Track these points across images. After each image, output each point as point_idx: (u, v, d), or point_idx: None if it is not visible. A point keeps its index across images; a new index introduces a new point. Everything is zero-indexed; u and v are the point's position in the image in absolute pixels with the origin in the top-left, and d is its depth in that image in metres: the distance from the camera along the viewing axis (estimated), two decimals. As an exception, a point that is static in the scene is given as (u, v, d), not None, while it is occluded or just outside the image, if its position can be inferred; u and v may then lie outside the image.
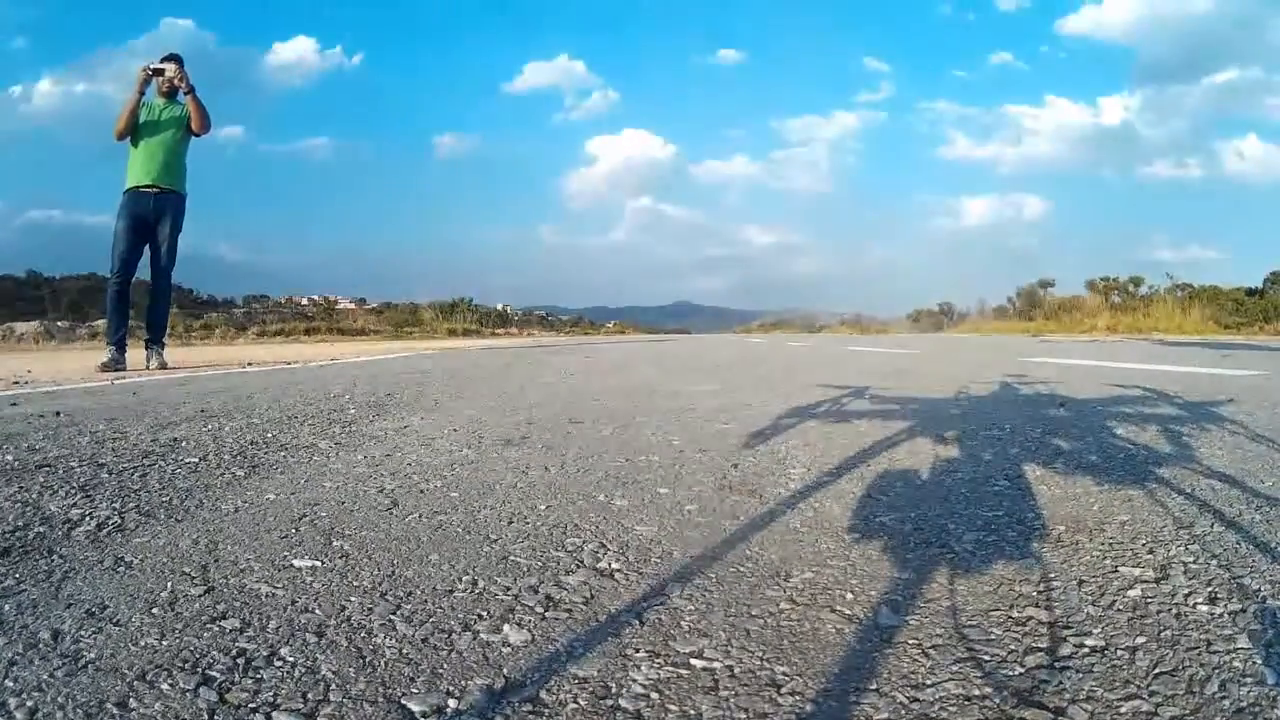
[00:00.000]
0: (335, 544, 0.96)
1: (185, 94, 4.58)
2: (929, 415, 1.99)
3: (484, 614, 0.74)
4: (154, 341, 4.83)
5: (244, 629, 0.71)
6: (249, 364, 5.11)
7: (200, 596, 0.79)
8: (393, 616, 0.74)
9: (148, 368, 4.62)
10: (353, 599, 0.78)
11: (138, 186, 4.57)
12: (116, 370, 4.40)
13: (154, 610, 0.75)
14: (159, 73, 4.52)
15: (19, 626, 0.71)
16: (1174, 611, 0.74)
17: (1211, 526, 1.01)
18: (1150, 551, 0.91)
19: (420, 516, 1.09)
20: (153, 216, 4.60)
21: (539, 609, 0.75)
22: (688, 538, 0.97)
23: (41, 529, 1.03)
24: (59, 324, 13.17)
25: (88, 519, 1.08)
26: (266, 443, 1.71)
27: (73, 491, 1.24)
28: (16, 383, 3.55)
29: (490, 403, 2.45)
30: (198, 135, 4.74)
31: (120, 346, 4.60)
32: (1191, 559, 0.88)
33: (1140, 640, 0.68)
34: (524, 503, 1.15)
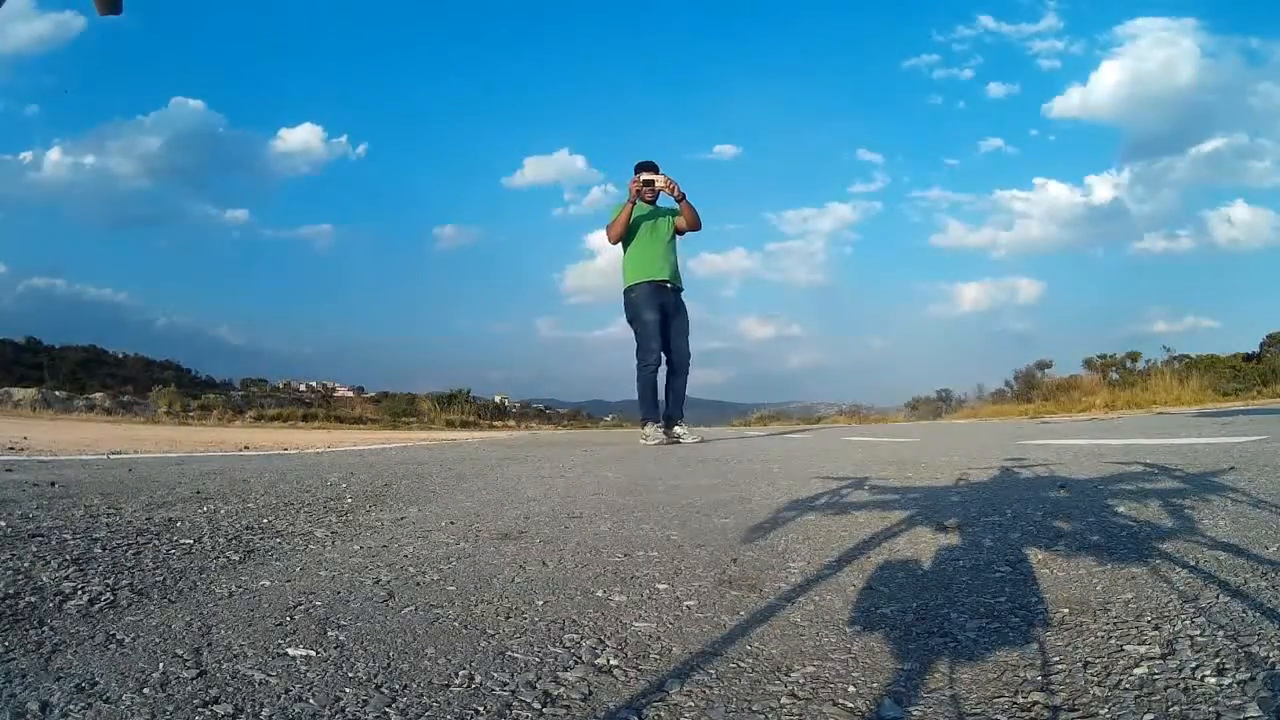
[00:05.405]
0: (330, 634, 0.95)
1: (679, 201, 5.13)
2: (928, 504, 1.97)
3: (480, 709, 0.73)
4: (680, 419, 5.34)
5: (236, 715, 0.70)
6: (246, 447, 5.08)
7: (193, 680, 0.78)
8: (388, 709, 0.72)
9: (681, 442, 5.04)
10: (348, 690, 0.77)
11: (657, 280, 5.12)
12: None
13: (145, 690, 0.74)
14: (649, 184, 5.05)
15: (7, 695, 0.70)
16: (1181, 686, 0.73)
17: (1217, 597, 1.00)
18: (1156, 628, 0.90)
19: (417, 609, 1.07)
20: (671, 310, 5.19)
21: (536, 704, 0.74)
22: (686, 633, 0.96)
23: (33, 599, 1.03)
24: (57, 393, 13.15)
25: (80, 593, 1.07)
26: (262, 528, 1.69)
27: (65, 564, 1.23)
28: (12, 448, 3.53)
29: (488, 496, 2.43)
30: (687, 233, 5.34)
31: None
32: (1198, 631, 0.87)
33: (1148, 717, 0.67)
34: (521, 597, 1.14)
